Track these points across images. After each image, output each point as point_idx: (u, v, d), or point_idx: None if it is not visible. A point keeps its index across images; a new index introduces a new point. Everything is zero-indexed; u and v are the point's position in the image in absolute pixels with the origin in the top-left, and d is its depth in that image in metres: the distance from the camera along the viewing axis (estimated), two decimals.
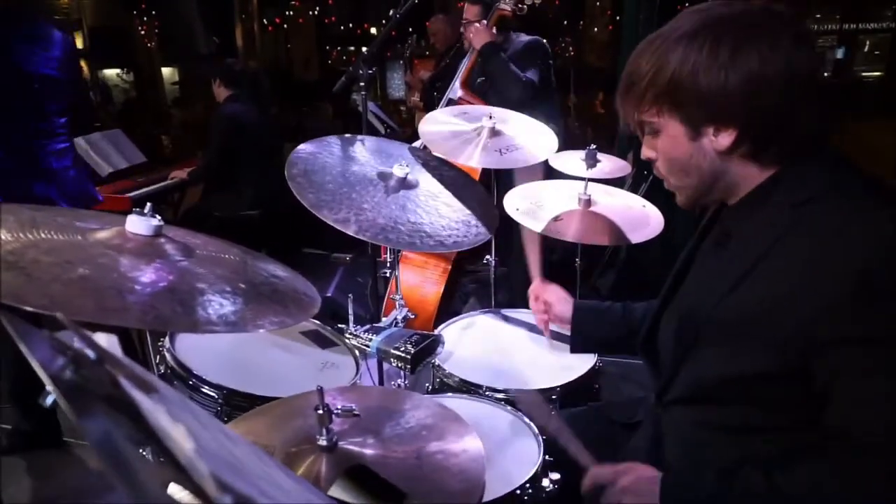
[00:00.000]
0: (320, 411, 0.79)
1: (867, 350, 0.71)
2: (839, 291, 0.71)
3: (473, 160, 1.60)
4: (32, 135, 1.95)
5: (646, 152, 0.90)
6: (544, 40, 2.61)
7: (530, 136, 1.72)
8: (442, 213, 1.28)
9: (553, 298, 1.31)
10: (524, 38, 2.58)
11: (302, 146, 1.29)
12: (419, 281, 2.35)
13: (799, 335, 0.74)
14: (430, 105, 3.63)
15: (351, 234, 1.13)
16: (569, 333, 1.28)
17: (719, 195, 0.89)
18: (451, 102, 2.60)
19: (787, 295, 0.75)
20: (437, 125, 1.70)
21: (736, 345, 0.81)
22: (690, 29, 0.78)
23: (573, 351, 1.29)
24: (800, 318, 0.74)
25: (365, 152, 1.38)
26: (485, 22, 2.49)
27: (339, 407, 0.82)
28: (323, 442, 0.81)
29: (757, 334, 0.79)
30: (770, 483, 0.77)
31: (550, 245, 1.62)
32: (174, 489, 0.35)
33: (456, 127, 1.70)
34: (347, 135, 1.42)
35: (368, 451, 0.83)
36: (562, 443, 0.94)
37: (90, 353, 0.42)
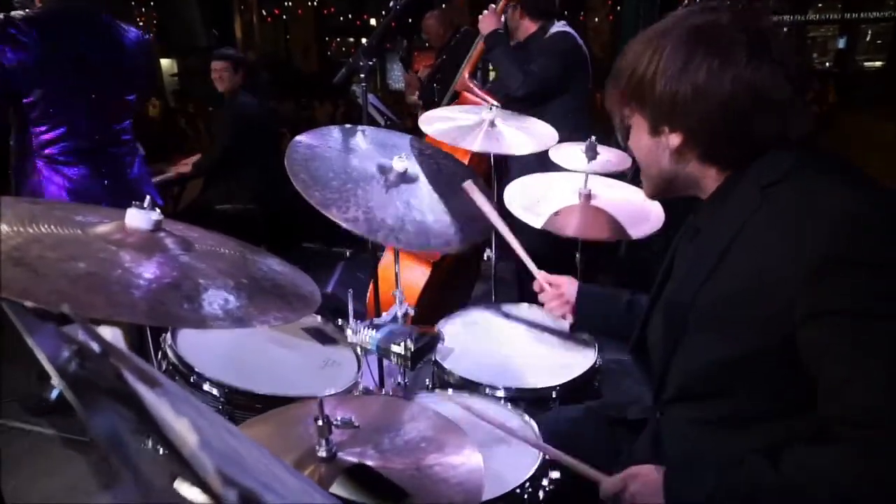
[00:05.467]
0: (320, 423, 0.79)
1: (843, 323, 0.71)
2: (806, 265, 0.72)
3: (475, 146, 1.62)
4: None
5: (627, 141, 0.96)
6: (572, 33, 2.42)
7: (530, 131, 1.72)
8: (445, 209, 1.28)
9: (561, 281, 1.32)
10: (556, 28, 2.42)
11: (299, 137, 1.28)
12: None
13: (778, 312, 0.75)
14: (429, 103, 3.61)
15: (361, 234, 1.13)
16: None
17: (682, 190, 0.92)
18: (455, 95, 2.53)
19: (761, 273, 0.77)
20: (439, 119, 1.71)
21: (720, 329, 0.82)
22: (662, 33, 0.84)
23: (572, 331, 1.32)
24: (775, 294, 0.75)
25: (364, 143, 1.37)
26: (493, 7, 2.37)
27: (339, 418, 0.82)
28: (322, 453, 0.81)
29: (738, 315, 0.79)
30: (776, 470, 0.77)
31: (550, 240, 1.62)
32: (180, 484, 0.36)
33: (459, 119, 1.71)
34: (347, 125, 1.41)
35: (368, 463, 0.83)
36: (566, 464, 0.96)
37: (95, 347, 0.42)
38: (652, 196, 0.97)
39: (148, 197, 0.87)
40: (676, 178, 0.90)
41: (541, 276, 1.34)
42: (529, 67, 2.30)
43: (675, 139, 0.85)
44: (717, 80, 0.79)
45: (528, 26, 2.42)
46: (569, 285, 1.30)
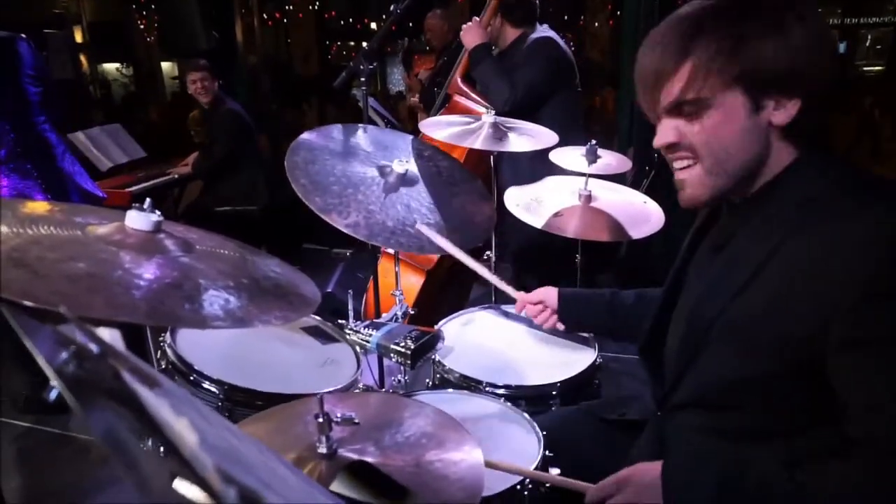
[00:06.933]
0: (320, 419, 0.79)
1: (880, 351, 0.70)
2: (847, 293, 0.70)
3: (477, 145, 1.62)
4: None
5: (666, 136, 0.82)
6: (554, 37, 2.34)
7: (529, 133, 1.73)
8: (444, 213, 1.28)
9: (543, 294, 1.35)
10: (538, 34, 2.31)
11: (303, 136, 1.28)
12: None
13: (808, 337, 0.74)
14: (430, 105, 3.61)
15: (362, 238, 1.13)
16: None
17: (741, 188, 0.83)
18: (447, 98, 2.46)
19: (794, 296, 0.75)
20: (440, 125, 1.72)
21: (744, 348, 0.80)
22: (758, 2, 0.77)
23: (567, 329, 1.37)
24: (808, 319, 0.73)
25: (365, 142, 1.37)
26: (477, 19, 2.28)
27: (339, 415, 0.82)
28: (322, 450, 0.81)
29: (765, 336, 0.78)
30: (792, 477, 0.76)
31: (551, 242, 1.62)
32: (180, 483, 0.36)
33: (460, 125, 1.71)
34: (348, 124, 1.41)
35: (368, 459, 0.83)
36: (553, 484, 0.95)
37: (93, 347, 0.42)
38: (707, 201, 0.84)
39: (148, 199, 0.87)
40: (756, 167, 0.80)
41: (519, 297, 1.39)
42: (513, 78, 2.21)
43: (785, 112, 0.76)
44: (826, 41, 0.76)
45: (511, 34, 2.35)
46: (549, 296, 1.34)
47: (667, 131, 0.82)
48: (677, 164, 0.85)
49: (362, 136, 1.39)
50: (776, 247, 0.78)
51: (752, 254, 0.81)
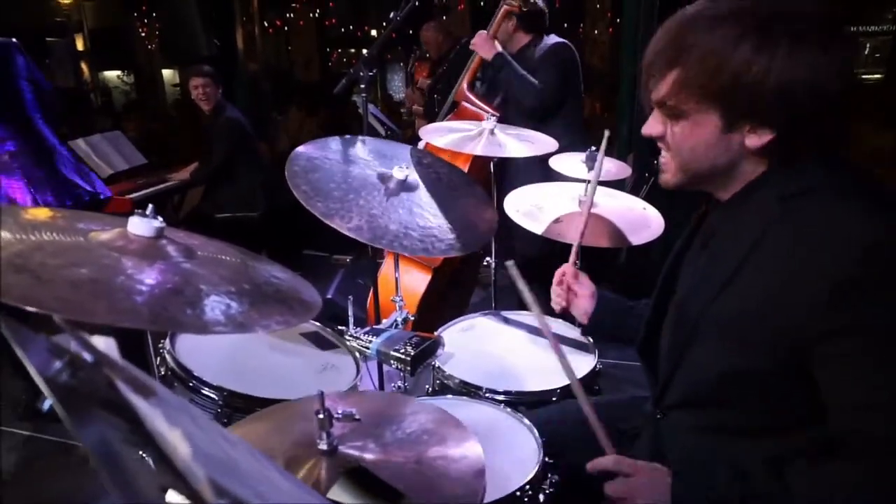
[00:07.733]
0: (321, 415, 0.79)
1: (861, 343, 0.70)
2: (827, 286, 0.70)
3: (477, 151, 1.63)
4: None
5: (653, 128, 0.85)
6: (569, 44, 2.43)
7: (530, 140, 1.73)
8: (447, 216, 1.29)
9: (584, 292, 1.20)
10: (551, 40, 2.40)
11: (299, 149, 1.29)
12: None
13: (790, 330, 0.73)
14: (430, 112, 3.61)
15: (365, 241, 1.13)
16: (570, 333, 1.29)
17: (713, 186, 0.87)
18: (454, 106, 2.52)
19: (776, 289, 0.75)
20: (439, 131, 1.72)
21: (730, 343, 0.80)
22: (760, 23, 0.73)
23: (584, 334, 1.34)
24: (793, 311, 0.73)
25: (364, 154, 1.38)
26: (483, 33, 2.36)
27: (340, 411, 0.82)
28: (323, 446, 0.81)
29: (749, 331, 0.78)
30: (783, 485, 0.76)
31: (551, 248, 1.62)
32: (172, 496, 0.35)
33: (460, 130, 1.72)
34: (347, 136, 1.42)
35: (368, 456, 0.83)
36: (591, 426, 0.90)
37: (87, 356, 0.41)
38: (674, 187, 0.88)
39: (150, 205, 0.87)
40: (724, 174, 0.83)
41: (568, 267, 1.23)
42: (538, 83, 2.29)
43: (758, 138, 0.77)
44: (827, 72, 0.72)
45: (521, 38, 2.44)
46: (588, 301, 1.19)
47: (654, 123, 0.86)
48: (661, 149, 0.89)
49: (361, 146, 1.39)
50: (759, 239, 0.78)
51: (735, 248, 0.81)
